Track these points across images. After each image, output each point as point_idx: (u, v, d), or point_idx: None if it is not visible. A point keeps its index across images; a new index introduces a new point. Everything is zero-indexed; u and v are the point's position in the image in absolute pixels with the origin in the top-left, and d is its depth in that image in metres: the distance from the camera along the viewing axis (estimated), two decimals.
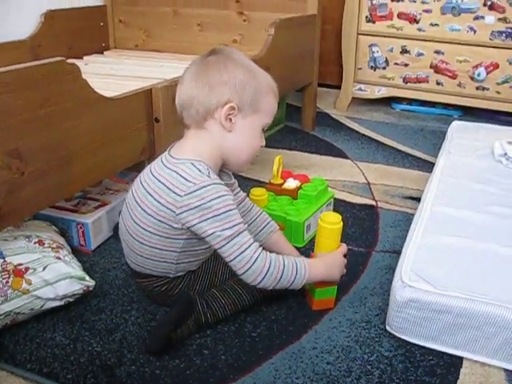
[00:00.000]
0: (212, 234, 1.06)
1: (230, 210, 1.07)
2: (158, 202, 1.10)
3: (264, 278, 1.08)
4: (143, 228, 1.13)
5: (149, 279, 1.19)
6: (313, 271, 1.15)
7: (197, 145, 1.14)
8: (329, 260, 1.19)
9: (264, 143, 1.20)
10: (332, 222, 1.20)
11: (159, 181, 1.11)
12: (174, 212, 1.08)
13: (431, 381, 1.04)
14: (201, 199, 1.05)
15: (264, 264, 1.07)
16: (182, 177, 1.08)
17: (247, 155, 1.18)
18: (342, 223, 1.21)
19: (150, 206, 1.11)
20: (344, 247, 1.23)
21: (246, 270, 1.07)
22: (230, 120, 1.12)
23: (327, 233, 1.20)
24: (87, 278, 1.22)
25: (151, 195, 1.11)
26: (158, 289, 1.19)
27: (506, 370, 1.08)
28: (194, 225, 1.07)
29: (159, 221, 1.10)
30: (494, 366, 1.09)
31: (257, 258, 1.07)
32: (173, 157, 1.13)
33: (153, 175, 1.13)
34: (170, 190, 1.08)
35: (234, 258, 1.07)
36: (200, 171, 1.08)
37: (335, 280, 1.21)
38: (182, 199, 1.06)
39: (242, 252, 1.06)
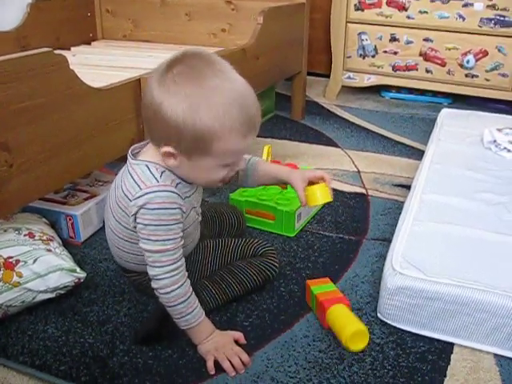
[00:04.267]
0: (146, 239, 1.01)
1: (168, 224, 1.00)
2: (119, 207, 1.06)
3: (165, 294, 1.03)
4: (118, 236, 1.11)
5: (136, 273, 1.19)
6: (201, 327, 1.06)
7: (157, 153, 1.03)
8: (220, 337, 1.06)
9: (233, 173, 1.07)
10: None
11: (120, 185, 1.06)
12: (129, 217, 1.02)
13: (422, 367, 1.05)
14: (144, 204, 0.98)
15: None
16: (134, 180, 1.02)
17: (205, 184, 1.10)
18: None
19: (117, 212, 1.08)
20: (240, 335, 1.09)
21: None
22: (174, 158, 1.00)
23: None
24: (78, 269, 1.22)
25: (117, 201, 1.07)
26: (147, 282, 1.18)
27: (496, 355, 1.09)
28: (138, 226, 1.01)
29: (126, 228, 1.07)
30: (484, 351, 1.10)
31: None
32: (133, 158, 1.06)
33: (120, 178, 1.08)
34: (124, 193, 1.03)
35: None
36: (152, 173, 1.01)
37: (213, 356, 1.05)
38: (132, 204, 1.01)
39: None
